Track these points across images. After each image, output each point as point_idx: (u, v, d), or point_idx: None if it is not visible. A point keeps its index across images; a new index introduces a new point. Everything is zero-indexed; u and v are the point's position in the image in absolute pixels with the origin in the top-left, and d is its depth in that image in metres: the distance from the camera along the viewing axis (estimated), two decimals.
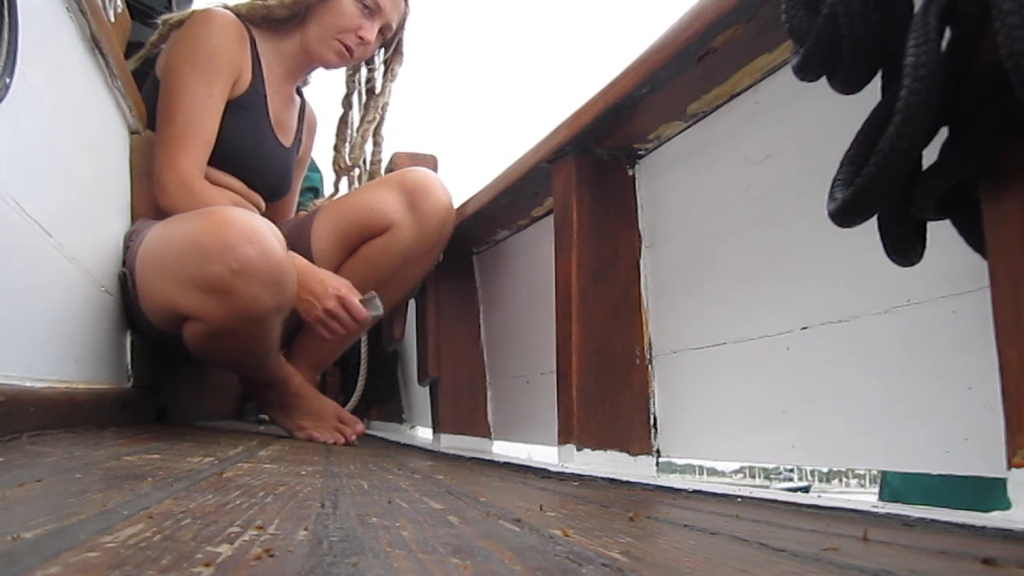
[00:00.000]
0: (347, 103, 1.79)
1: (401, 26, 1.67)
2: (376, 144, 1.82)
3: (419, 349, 1.90)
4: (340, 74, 1.77)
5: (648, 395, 1.18)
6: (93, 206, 1.23)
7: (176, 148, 1.39)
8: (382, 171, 1.85)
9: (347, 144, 1.81)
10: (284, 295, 1.21)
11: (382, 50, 1.72)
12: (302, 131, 1.73)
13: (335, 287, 1.40)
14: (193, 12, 1.50)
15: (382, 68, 1.75)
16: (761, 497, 0.73)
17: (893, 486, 2.18)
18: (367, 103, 1.78)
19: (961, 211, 0.59)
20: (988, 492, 1.84)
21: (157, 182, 1.39)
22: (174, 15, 1.53)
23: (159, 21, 1.53)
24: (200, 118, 1.42)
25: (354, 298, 1.40)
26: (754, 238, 1.03)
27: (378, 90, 1.76)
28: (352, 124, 1.81)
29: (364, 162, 1.82)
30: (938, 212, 0.60)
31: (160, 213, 1.38)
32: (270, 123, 1.57)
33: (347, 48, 1.56)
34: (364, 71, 1.76)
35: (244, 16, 1.52)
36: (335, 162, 1.81)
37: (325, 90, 1.85)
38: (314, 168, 2.59)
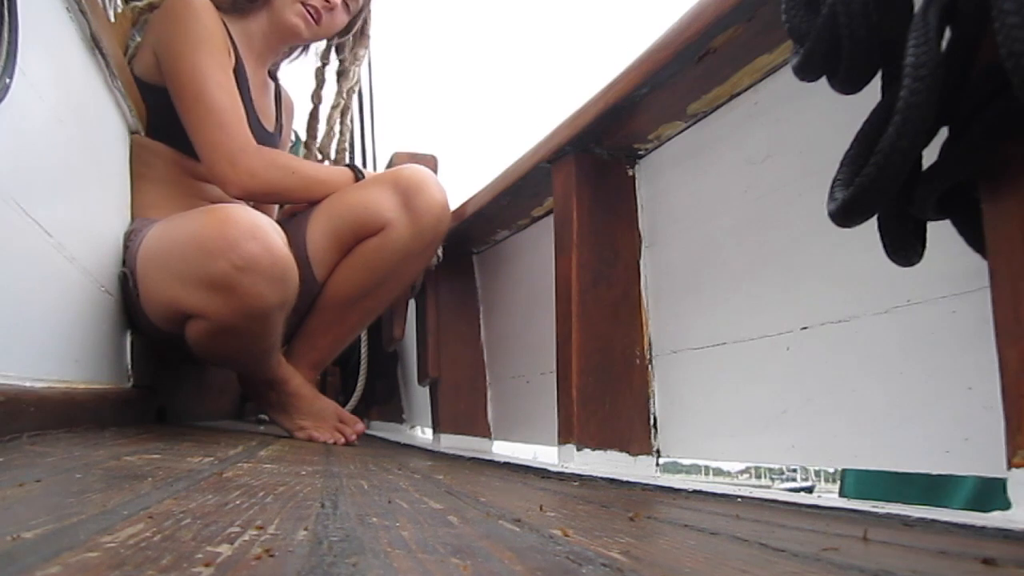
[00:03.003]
0: (317, 97, 1.78)
1: (367, 6, 1.67)
2: (341, 132, 1.81)
3: (419, 349, 1.90)
4: (310, 67, 1.77)
5: (648, 395, 1.18)
6: (93, 206, 1.23)
7: (230, 132, 1.37)
8: (347, 158, 1.85)
9: (317, 140, 1.80)
10: (288, 291, 1.22)
11: (348, 34, 1.71)
12: (282, 115, 1.72)
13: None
14: None
15: (350, 55, 1.74)
16: (761, 497, 0.73)
17: (851, 483, 2.23)
18: (338, 88, 1.77)
19: (961, 211, 0.59)
20: (943, 486, 1.88)
21: (221, 180, 1.37)
22: (141, 1, 1.50)
23: (128, 9, 1.50)
24: (230, 99, 1.40)
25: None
26: (754, 238, 1.03)
27: (341, 74, 1.75)
28: (321, 119, 1.81)
29: (330, 151, 1.81)
30: (938, 212, 0.60)
31: (165, 211, 1.37)
32: (253, 109, 1.56)
33: (312, 14, 1.54)
34: (335, 61, 1.75)
35: (215, 2, 1.51)
36: (306, 159, 1.80)
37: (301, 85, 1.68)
38: None
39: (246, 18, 1.56)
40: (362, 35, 1.72)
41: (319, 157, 1.80)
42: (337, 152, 1.83)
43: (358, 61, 1.74)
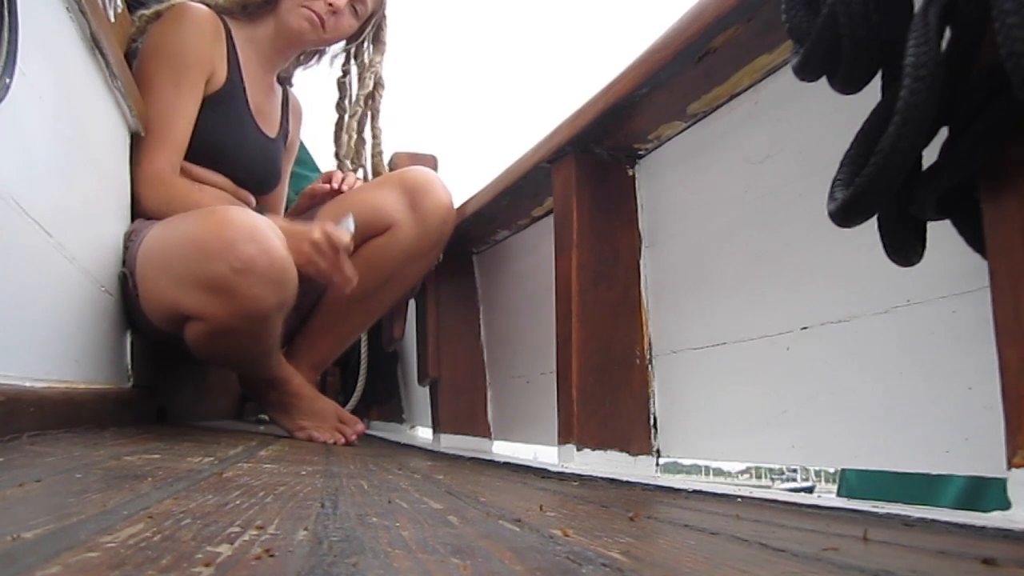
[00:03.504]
0: (340, 108, 1.78)
1: (379, 12, 1.66)
2: (375, 136, 1.78)
3: (419, 349, 1.90)
4: (332, 74, 1.76)
5: (648, 395, 1.18)
6: (93, 206, 1.23)
7: (146, 151, 1.40)
8: (384, 165, 1.82)
9: (342, 149, 1.78)
10: (286, 293, 1.21)
11: (361, 40, 1.70)
12: (288, 120, 1.72)
13: (313, 229, 1.37)
14: (170, 6, 1.48)
15: (367, 62, 1.72)
16: (761, 497, 0.73)
17: (850, 482, 2.26)
18: (353, 98, 1.76)
19: (961, 211, 0.59)
20: (935, 482, 1.90)
21: (134, 190, 1.39)
22: (149, 9, 1.51)
23: (135, 16, 1.51)
24: (168, 119, 1.42)
25: (332, 229, 1.39)
26: (754, 238, 1.03)
27: (356, 82, 1.74)
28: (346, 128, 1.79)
29: (360, 157, 1.79)
30: (938, 212, 0.60)
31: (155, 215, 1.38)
32: (251, 115, 1.56)
33: (317, 17, 1.52)
34: (354, 71, 1.75)
35: (222, 8, 1.51)
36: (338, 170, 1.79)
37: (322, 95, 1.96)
38: (314, 168, 2.58)
39: (254, 23, 1.56)
40: (377, 41, 1.72)
41: (349, 167, 1.77)
42: (373, 157, 1.79)
43: (372, 67, 1.73)
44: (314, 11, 1.52)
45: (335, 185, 1.62)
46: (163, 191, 1.37)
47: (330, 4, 1.52)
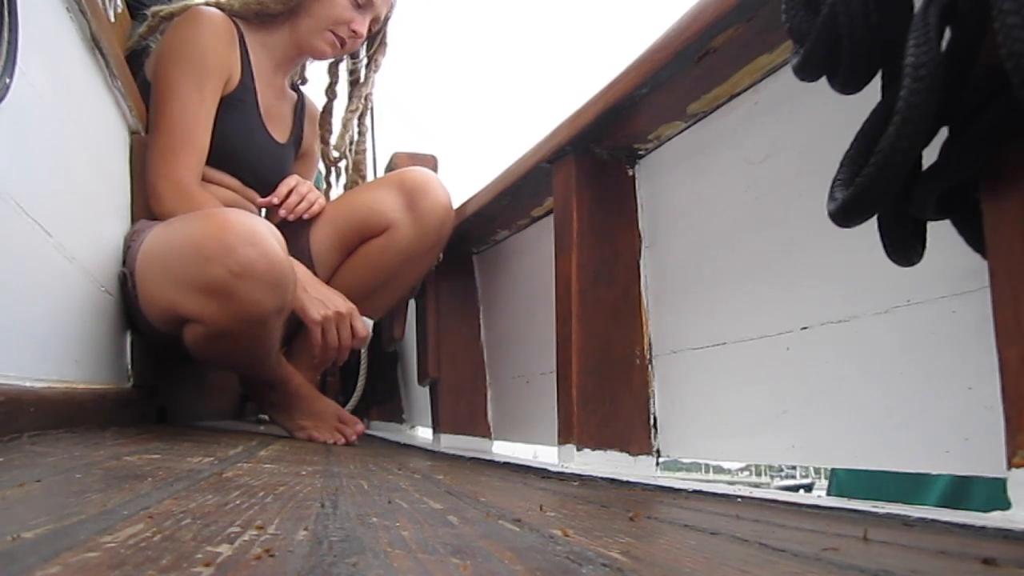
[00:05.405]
0: (331, 92, 1.78)
1: (387, 18, 1.67)
2: (360, 133, 1.80)
3: (419, 349, 1.90)
4: (323, 64, 1.78)
5: (648, 395, 1.18)
6: (93, 206, 1.23)
7: (171, 157, 1.40)
8: (367, 161, 1.83)
9: (332, 135, 1.80)
10: (285, 297, 1.21)
11: (367, 41, 1.71)
12: (301, 126, 1.72)
13: (343, 301, 1.43)
14: (184, 7, 1.48)
15: (366, 59, 1.74)
16: (761, 497, 0.73)
17: (840, 479, 2.27)
18: (351, 92, 1.77)
19: (961, 211, 0.59)
20: (920, 484, 1.92)
21: (152, 190, 1.39)
22: (164, 8, 1.51)
23: (148, 13, 1.51)
24: (193, 125, 1.42)
25: (357, 315, 1.44)
26: (754, 238, 1.03)
27: (361, 80, 1.76)
28: (335, 114, 1.80)
29: (349, 151, 1.80)
30: (938, 212, 0.60)
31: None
32: (261, 119, 1.56)
33: (339, 40, 1.55)
34: (347, 60, 1.76)
35: (235, 12, 1.52)
36: (324, 156, 1.80)
37: (315, 83, 1.95)
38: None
39: (268, 30, 1.57)
40: (381, 43, 1.73)
41: (335, 155, 1.78)
42: (356, 154, 1.81)
43: (376, 68, 1.75)
44: (337, 35, 1.55)
45: (275, 201, 1.54)
46: (186, 203, 1.37)
47: (354, 31, 1.55)
